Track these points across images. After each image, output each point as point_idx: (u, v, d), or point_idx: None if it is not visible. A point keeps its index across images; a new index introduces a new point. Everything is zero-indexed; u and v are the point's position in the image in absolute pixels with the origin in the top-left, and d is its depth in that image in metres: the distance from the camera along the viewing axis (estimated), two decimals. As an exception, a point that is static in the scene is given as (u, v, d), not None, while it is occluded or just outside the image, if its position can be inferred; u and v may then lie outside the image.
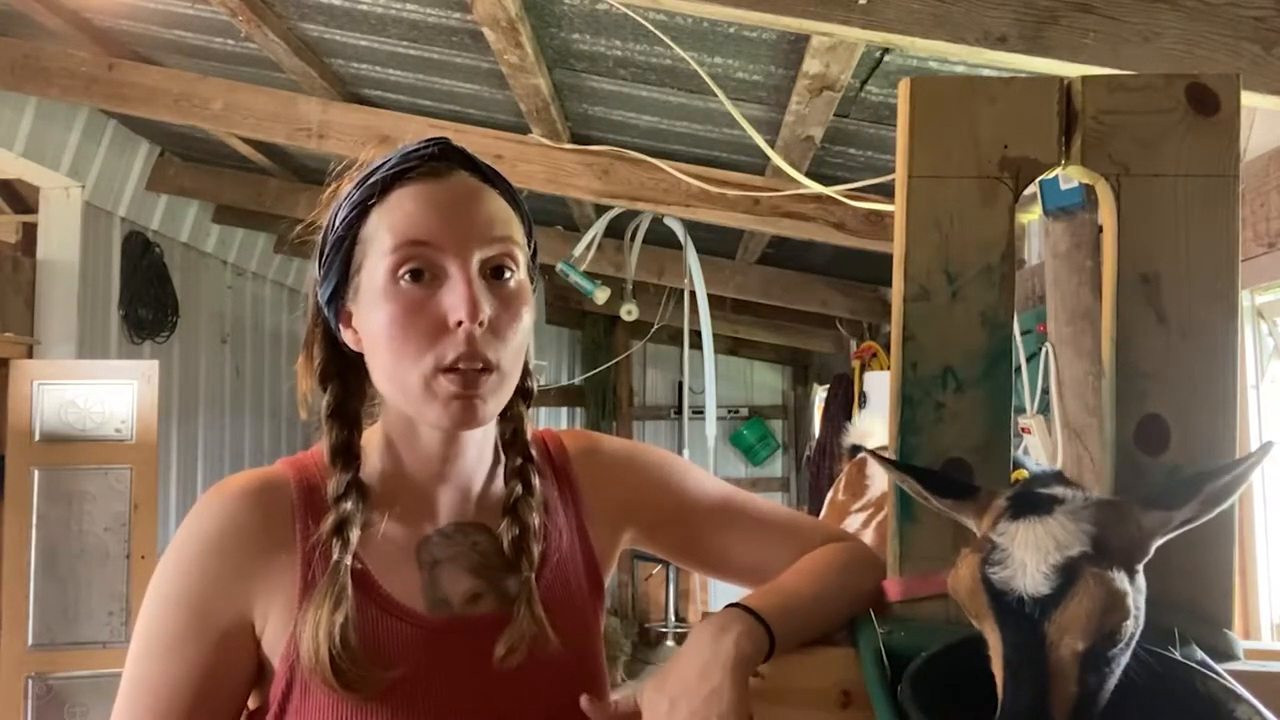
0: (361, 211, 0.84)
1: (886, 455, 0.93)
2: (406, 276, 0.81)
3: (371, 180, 0.85)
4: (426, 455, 0.89)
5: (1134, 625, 0.70)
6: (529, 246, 0.90)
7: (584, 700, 0.85)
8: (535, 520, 0.90)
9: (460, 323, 0.80)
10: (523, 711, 0.86)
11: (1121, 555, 0.71)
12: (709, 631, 0.83)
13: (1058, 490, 0.75)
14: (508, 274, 0.84)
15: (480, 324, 0.80)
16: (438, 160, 0.85)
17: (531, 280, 0.91)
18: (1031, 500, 0.75)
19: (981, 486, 0.83)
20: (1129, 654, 0.71)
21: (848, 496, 2.01)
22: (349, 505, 0.84)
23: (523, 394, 0.95)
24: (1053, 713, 0.67)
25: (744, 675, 0.80)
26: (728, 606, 0.87)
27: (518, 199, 0.90)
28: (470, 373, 0.81)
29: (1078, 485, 0.77)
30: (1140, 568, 0.72)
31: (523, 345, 0.86)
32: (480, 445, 0.92)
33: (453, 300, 0.80)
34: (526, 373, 0.95)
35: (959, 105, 0.92)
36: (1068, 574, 0.69)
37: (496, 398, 0.84)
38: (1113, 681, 0.70)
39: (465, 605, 0.87)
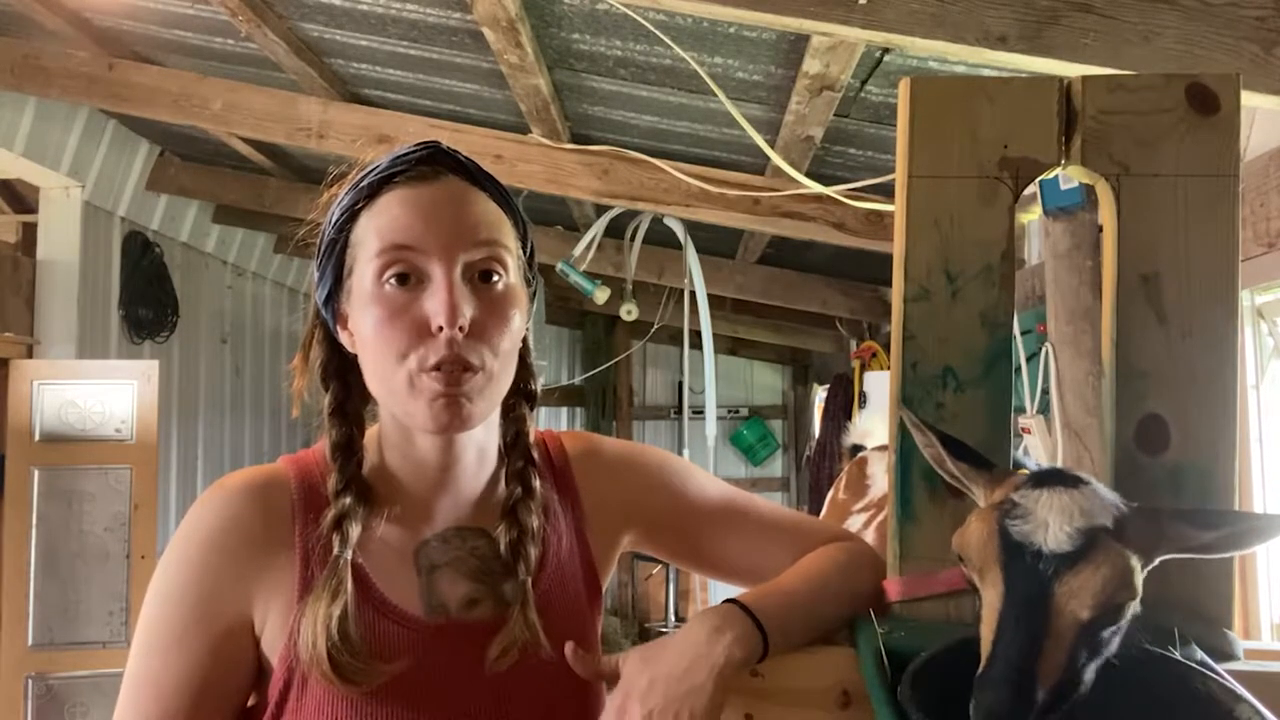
0: (351, 215, 0.85)
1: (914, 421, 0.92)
2: (392, 280, 0.82)
3: (361, 184, 0.85)
4: (423, 461, 0.89)
5: (1136, 607, 0.70)
6: (524, 250, 0.90)
7: (568, 648, 0.85)
8: (535, 523, 0.90)
9: (441, 327, 0.80)
10: (518, 714, 0.86)
11: (1137, 546, 0.71)
12: (705, 629, 0.83)
13: (1084, 475, 0.76)
14: (495, 277, 0.84)
15: (461, 329, 0.80)
16: (426, 164, 0.85)
17: (529, 283, 0.91)
18: (1057, 475, 0.75)
19: (997, 465, 0.83)
20: (1116, 642, 0.71)
21: (848, 496, 2.02)
22: (349, 500, 0.84)
23: (526, 396, 0.95)
24: (1040, 676, 0.67)
25: (728, 680, 0.80)
26: (727, 602, 0.87)
27: (511, 202, 0.89)
28: (454, 372, 0.81)
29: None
30: (1145, 569, 0.72)
31: (512, 349, 0.86)
32: (481, 449, 0.92)
33: (433, 305, 0.80)
34: (530, 375, 0.95)
35: (959, 105, 0.92)
36: (1089, 539, 0.69)
37: (484, 399, 0.84)
38: (1097, 662, 0.70)
39: (462, 610, 0.86)
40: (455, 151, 0.87)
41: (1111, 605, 0.68)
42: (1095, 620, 0.68)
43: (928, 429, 0.85)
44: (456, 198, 0.85)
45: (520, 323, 0.86)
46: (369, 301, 0.82)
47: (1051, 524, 0.70)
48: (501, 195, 0.89)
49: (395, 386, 0.82)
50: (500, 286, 0.84)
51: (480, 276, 0.83)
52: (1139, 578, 0.69)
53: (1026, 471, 0.82)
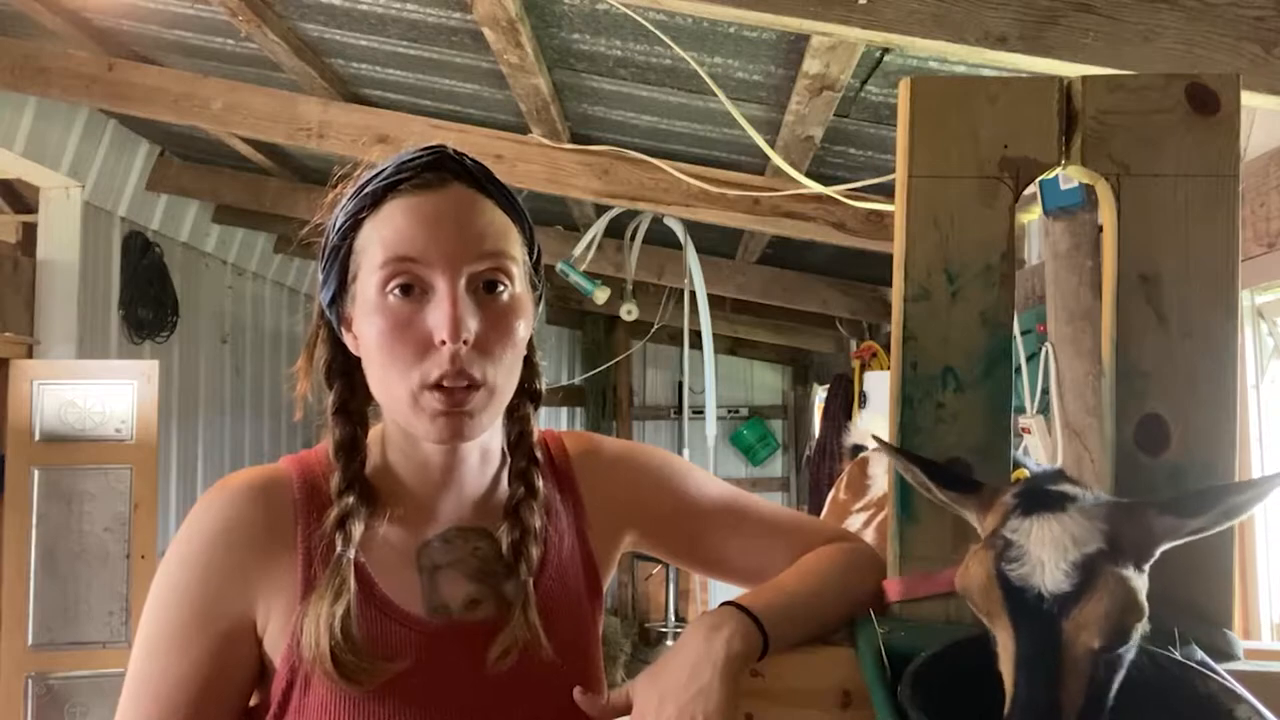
0: (355, 222, 0.85)
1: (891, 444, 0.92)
2: (395, 291, 0.81)
3: (366, 190, 0.84)
4: (426, 463, 0.89)
5: (1145, 625, 0.71)
6: (530, 256, 0.90)
7: (577, 692, 0.85)
8: (537, 523, 0.90)
9: (444, 341, 0.79)
10: (519, 714, 0.86)
11: (1133, 554, 0.71)
12: (702, 630, 0.84)
13: (1066, 488, 0.75)
14: (500, 288, 0.84)
15: (465, 342, 0.80)
16: (432, 170, 0.84)
17: (535, 288, 0.91)
18: (1042, 497, 0.74)
19: (985, 482, 0.83)
20: (1133, 651, 0.71)
21: (848, 496, 2.01)
22: (352, 499, 0.85)
23: (531, 396, 0.95)
24: (1064, 708, 0.67)
25: (734, 674, 0.80)
26: (722, 604, 0.87)
27: (517, 207, 0.89)
28: (456, 389, 0.80)
29: (1082, 483, 0.77)
30: (1146, 568, 0.72)
31: (515, 359, 0.86)
32: (485, 450, 0.92)
33: (437, 318, 0.80)
34: (535, 374, 0.95)
35: (959, 105, 0.92)
36: (1087, 571, 0.69)
37: (487, 412, 0.84)
38: (1119, 677, 0.70)
39: (464, 611, 0.87)
40: (462, 156, 0.86)
41: (1120, 629, 0.68)
42: (1107, 646, 0.68)
43: (910, 461, 0.85)
44: (462, 207, 0.84)
45: (525, 332, 0.86)
46: (372, 311, 0.82)
47: (1047, 563, 0.70)
48: (508, 200, 0.88)
49: (398, 398, 0.82)
50: (505, 297, 0.84)
51: (485, 287, 0.83)
52: (1143, 595, 0.69)
53: (1021, 475, 0.82)
